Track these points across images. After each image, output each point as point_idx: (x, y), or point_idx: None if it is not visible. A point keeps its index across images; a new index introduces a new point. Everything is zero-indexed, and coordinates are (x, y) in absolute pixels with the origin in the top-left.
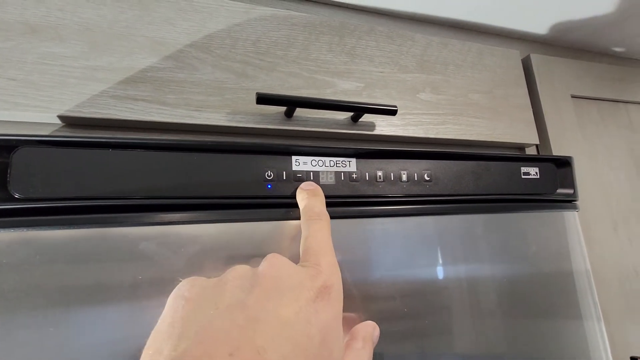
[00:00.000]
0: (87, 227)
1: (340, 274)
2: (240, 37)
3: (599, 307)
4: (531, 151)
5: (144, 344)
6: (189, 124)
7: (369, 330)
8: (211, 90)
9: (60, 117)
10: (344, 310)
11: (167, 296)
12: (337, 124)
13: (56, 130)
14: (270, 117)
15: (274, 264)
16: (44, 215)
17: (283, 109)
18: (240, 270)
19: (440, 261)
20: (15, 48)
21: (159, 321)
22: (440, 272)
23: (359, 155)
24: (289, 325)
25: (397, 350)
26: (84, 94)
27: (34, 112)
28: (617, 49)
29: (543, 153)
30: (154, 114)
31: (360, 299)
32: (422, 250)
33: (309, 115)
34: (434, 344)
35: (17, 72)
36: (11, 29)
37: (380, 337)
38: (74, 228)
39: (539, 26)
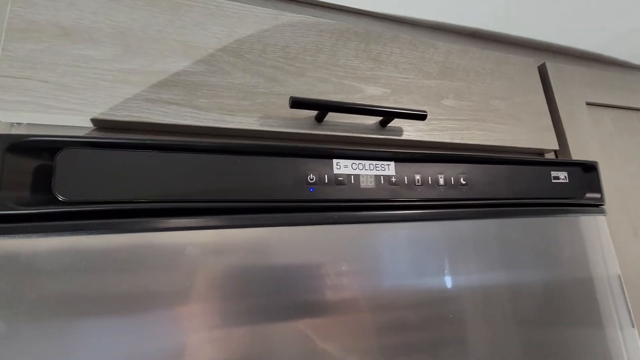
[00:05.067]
0: (133, 233)
1: None
2: (270, 43)
3: (632, 311)
4: (549, 157)
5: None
6: (221, 128)
7: None
8: (242, 94)
9: (93, 121)
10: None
11: (215, 301)
12: (366, 128)
13: (88, 134)
14: (302, 122)
15: None
16: (88, 219)
17: (314, 113)
18: None
19: (480, 265)
20: (48, 50)
21: None
22: (481, 277)
23: (397, 158)
24: None
25: (446, 348)
26: (117, 97)
27: (67, 115)
28: (629, 60)
29: (562, 158)
30: (188, 118)
31: (405, 303)
32: (461, 255)
33: (339, 120)
34: (476, 347)
35: (50, 74)
36: (44, 30)
37: (427, 337)
38: (119, 233)
39: (554, 35)
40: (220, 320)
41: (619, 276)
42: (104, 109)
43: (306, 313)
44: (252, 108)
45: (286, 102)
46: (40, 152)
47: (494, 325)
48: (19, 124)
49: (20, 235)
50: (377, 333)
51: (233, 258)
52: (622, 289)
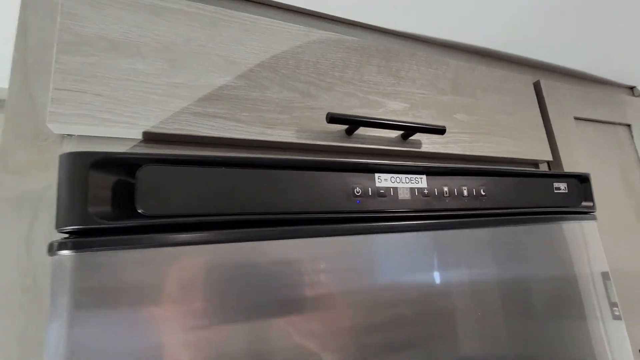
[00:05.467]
0: (207, 244)
1: None
2: (303, 59)
3: (619, 305)
4: (543, 167)
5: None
6: (262, 141)
7: None
8: (280, 108)
9: (146, 134)
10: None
11: (287, 310)
12: (390, 141)
13: (136, 146)
14: (333, 135)
15: None
16: (168, 232)
17: (344, 127)
18: None
19: (496, 269)
20: (99, 64)
21: None
22: (498, 280)
23: (428, 172)
24: None
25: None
26: (168, 111)
27: (122, 128)
28: (611, 78)
29: (554, 169)
30: (232, 131)
31: (432, 301)
32: (480, 259)
33: (365, 134)
34: (482, 338)
35: (103, 87)
36: (93, 44)
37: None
38: (197, 245)
39: (548, 55)
40: (292, 318)
41: (608, 273)
42: (155, 122)
43: (366, 308)
44: (289, 122)
45: (319, 116)
46: (120, 168)
47: (507, 319)
48: (70, 135)
49: (107, 249)
50: (429, 324)
51: (297, 265)
52: (611, 286)
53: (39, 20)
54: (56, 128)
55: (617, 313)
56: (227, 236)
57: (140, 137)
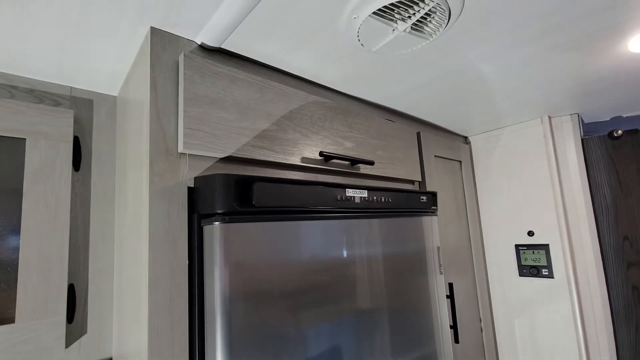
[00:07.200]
0: (285, 221)
1: None
2: (304, 113)
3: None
4: (417, 185)
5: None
6: (284, 164)
7: None
8: (292, 144)
9: (226, 157)
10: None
11: (325, 249)
12: (344, 166)
13: (217, 162)
14: (318, 161)
15: None
16: (267, 214)
17: (323, 157)
18: None
19: (393, 241)
20: (204, 113)
21: None
22: (394, 249)
23: (368, 188)
24: None
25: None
26: (238, 143)
27: (216, 153)
28: (456, 131)
29: (422, 187)
30: (270, 157)
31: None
32: (389, 234)
33: (334, 161)
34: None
35: (207, 127)
36: (201, 100)
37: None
38: (281, 221)
39: (425, 115)
40: (330, 262)
41: (439, 248)
42: (233, 150)
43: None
44: (297, 152)
45: (311, 149)
46: (245, 182)
47: (392, 274)
48: (185, 154)
49: (238, 222)
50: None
51: (323, 230)
52: (440, 254)
53: (163, 77)
54: (186, 150)
55: (441, 270)
56: (290, 218)
57: (220, 157)
